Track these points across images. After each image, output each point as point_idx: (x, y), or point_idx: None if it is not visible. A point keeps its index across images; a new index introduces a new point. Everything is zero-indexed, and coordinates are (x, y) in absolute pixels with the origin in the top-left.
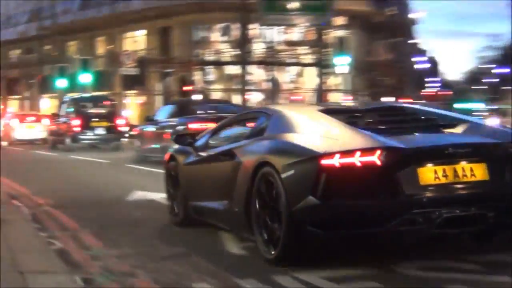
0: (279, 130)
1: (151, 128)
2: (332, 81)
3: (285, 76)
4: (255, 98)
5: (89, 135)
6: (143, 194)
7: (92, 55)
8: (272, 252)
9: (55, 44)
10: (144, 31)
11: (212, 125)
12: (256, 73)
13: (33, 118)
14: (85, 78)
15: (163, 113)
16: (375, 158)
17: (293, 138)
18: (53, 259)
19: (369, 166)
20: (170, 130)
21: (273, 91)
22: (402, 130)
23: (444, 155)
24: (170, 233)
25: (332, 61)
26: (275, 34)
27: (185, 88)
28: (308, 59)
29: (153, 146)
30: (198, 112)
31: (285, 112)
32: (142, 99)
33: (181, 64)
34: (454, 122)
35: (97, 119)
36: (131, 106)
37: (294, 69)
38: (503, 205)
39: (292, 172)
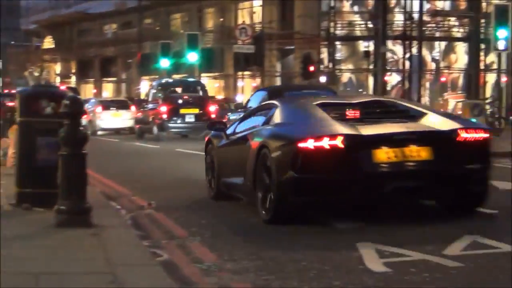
0: (280, 119)
1: (237, 117)
2: (490, 58)
3: (431, 53)
4: (394, 79)
5: (178, 123)
6: None
7: (200, 30)
8: (268, 215)
9: (157, 18)
10: (261, 2)
11: None
12: (396, 50)
13: (120, 104)
14: (192, 57)
15: (255, 100)
16: (338, 142)
17: (284, 126)
18: (159, 273)
19: (334, 148)
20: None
21: (416, 71)
22: (370, 120)
23: (395, 140)
24: (289, 241)
25: (489, 34)
26: (418, 3)
27: (309, 68)
28: (459, 32)
29: None
30: None
31: (287, 105)
32: (257, 81)
33: (305, 39)
34: (416, 114)
35: (187, 106)
36: (246, 90)
37: (442, 45)
38: (445, 180)
39: (279, 152)
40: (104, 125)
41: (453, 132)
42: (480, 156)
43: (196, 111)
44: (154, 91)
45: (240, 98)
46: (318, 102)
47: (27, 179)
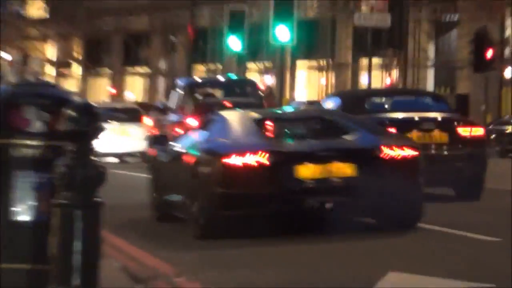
0: (215, 133)
1: None
2: None
3: None
4: None
5: None
6: None
7: None
8: (200, 231)
9: None
10: None
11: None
12: None
13: (128, 115)
14: (281, 33)
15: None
16: (260, 158)
17: (216, 140)
18: None
19: (256, 164)
20: None
21: None
22: (298, 136)
23: (318, 157)
24: None
25: None
26: None
27: (485, 53)
28: None
29: None
30: (374, 111)
31: (224, 118)
32: (394, 75)
33: (478, 3)
34: (345, 130)
35: None
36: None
37: None
38: (369, 196)
39: (209, 167)
40: (100, 148)
41: (376, 148)
42: (408, 173)
43: None
44: (179, 94)
45: None
46: (255, 116)
47: None
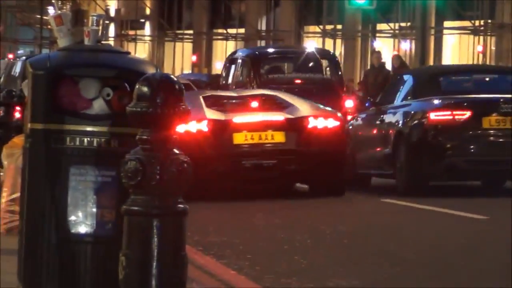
0: None
1: (365, 121)
2: None
3: None
4: None
5: None
6: None
7: None
8: None
9: None
10: None
11: (465, 114)
12: None
13: None
14: None
15: (397, 90)
16: (203, 126)
17: None
18: None
19: (199, 131)
20: (397, 125)
21: None
22: (241, 110)
23: (253, 126)
24: None
25: None
26: None
27: None
28: None
29: (372, 153)
30: (453, 90)
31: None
32: None
33: None
34: (283, 105)
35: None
36: None
37: None
38: (296, 159)
39: None
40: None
41: (303, 119)
42: (332, 141)
43: None
44: (236, 70)
45: None
46: (205, 94)
47: (43, 271)
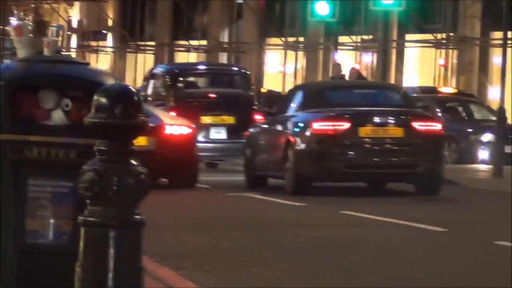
0: None
1: (262, 129)
2: None
3: None
4: None
5: (199, 141)
6: None
7: None
8: None
9: None
10: None
11: (343, 125)
12: None
13: None
14: None
15: (291, 102)
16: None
17: None
18: None
19: None
20: (286, 133)
21: None
22: None
23: None
24: None
25: None
26: None
27: None
28: None
29: (268, 157)
30: (335, 103)
31: None
32: None
33: None
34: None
35: (213, 111)
36: None
37: None
38: (156, 160)
39: None
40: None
41: (160, 126)
42: (185, 144)
43: (230, 120)
44: (155, 84)
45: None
46: None
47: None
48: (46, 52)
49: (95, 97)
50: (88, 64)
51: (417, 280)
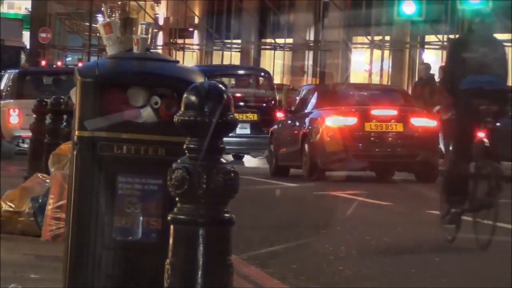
0: None
1: (284, 125)
2: None
3: None
4: None
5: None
6: None
7: None
8: None
9: None
10: None
11: (352, 120)
12: None
13: None
14: None
15: (307, 101)
16: None
17: None
18: None
19: None
20: (303, 126)
21: None
22: None
23: None
24: None
25: None
26: None
27: None
28: None
29: (288, 149)
30: (346, 101)
31: None
32: None
33: None
34: None
35: (239, 109)
36: None
37: None
38: None
39: None
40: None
41: None
42: None
43: (254, 117)
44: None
45: None
46: None
47: (88, 278)
48: (135, 49)
49: (185, 95)
50: (177, 61)
51: None
